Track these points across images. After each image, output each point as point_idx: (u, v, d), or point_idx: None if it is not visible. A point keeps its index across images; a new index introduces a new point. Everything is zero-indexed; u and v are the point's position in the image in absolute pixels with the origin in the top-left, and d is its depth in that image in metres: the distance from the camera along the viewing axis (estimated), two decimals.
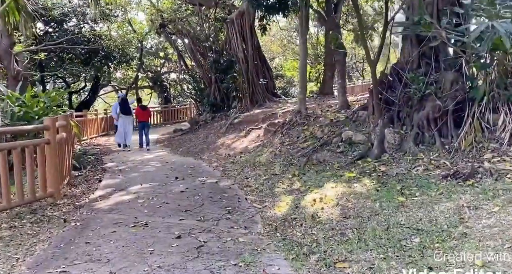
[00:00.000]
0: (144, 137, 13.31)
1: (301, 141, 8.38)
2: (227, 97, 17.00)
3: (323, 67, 20.10)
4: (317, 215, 4.75)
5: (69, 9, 18.45)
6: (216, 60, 16.25)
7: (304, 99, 9.85)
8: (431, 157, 6.41)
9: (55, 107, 10.79)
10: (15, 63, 11.83)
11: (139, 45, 25.22)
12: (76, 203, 5.87)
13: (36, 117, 8.83)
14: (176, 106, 26.71)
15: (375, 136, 7.12)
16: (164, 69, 29.88)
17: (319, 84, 19.08)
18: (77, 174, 8.28)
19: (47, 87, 10.01)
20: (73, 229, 4.57)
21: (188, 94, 21.10)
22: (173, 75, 30.09)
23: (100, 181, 7.56)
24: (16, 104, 8.79)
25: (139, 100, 15.13)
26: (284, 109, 13.37)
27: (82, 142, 14.96)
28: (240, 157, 9.47)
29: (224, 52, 16.86)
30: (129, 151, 13.06)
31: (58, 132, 7.16)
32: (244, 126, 12.76)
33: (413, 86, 7.08)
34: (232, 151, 10.56)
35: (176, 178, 7.44)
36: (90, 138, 16.31)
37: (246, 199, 5.71)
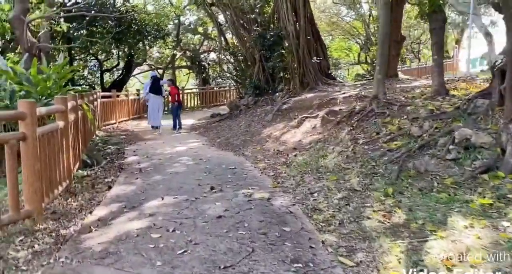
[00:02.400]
0: (178, 119, 12.48)
1: (384, 138, 6.05)
2: (273, 79, 14.73)
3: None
4: None
5: None
6: (261, 34, 13.91)
7: (382, 80, 7.45)
8: None
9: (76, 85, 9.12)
10: (29, 34, 10.03)
11: (177, 21, 23.26)
12: (62, 231, 3.88)
13: (42, 97, 7.02)
14: (215, 88, 24.72)
15: (509, 137, 4.71)
16: (203, 48, 27.85)
17: (374, 66, 16.38)
18: (86, 173, 6.37)
19: (58, 60, 8.13)
20: None
21: (229, 75, 18.95)
22: (212, 55, 28.10)
23: (109, 187, 5.58)
24: (16, 81, 6.98)
25: (171, 81, 13.62)
26: (344, 93, 11.01)
27: (108, 127, 13.27)
28: (295, 155, 7.26)
29: (271, 26, 14.52)
30: (159, 133, 12.06)
31: (56, 120, 5.25)
32: (295, 114, 10.51)
33: None
34: (283, 145, 8.37)
35: (212, 188, 5.33)
36: (119, 122, 14.57)
37: (323, 242, 3.50)
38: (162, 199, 4.89)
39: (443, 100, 6.84)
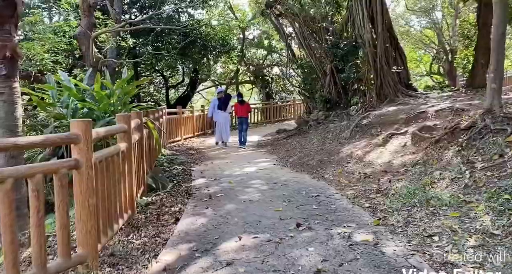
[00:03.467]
0: (242, 134, 12.34)
1: None
2: (345, 92, 13.57)
3: (468, 53, 15.61)
4: None
5: None
6: (334, 44, 12.88)
7: (498, 91, 6.09)
8: None
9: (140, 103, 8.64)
10: (95, 49, 9.80)
11: (241, 35, 22.84)
12: None
13: (105, 115, 6.47)
14: (278, 102, 23.90)
15: None
16: (267, 62, 27.27)
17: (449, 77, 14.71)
18: (150, 200, 5.66)
19: (122, 75, 7.62)
20: None
21: (297, 88, 18.05)
22: (275, 69, 27.43)
23: (177, 219, 4.77)
24: (79, 98, 6.51)
25: (239, 95, 13.18)
26: (432, 106, 9.60)
27: (174, 144, 12.81)
28: (389, 180, 6.09)
29: (344, 35, 13.44)
30: (224, 147, 12.31)
31: (117, 141, 4.57)
32: (377, 130, 9.29)
33: None
34: (369, 167, 7.22)
35: (298, 225, 4.33)
36: (184, 139, 14.13)
37: None
38: (240, 238, 3.97)
39: None
